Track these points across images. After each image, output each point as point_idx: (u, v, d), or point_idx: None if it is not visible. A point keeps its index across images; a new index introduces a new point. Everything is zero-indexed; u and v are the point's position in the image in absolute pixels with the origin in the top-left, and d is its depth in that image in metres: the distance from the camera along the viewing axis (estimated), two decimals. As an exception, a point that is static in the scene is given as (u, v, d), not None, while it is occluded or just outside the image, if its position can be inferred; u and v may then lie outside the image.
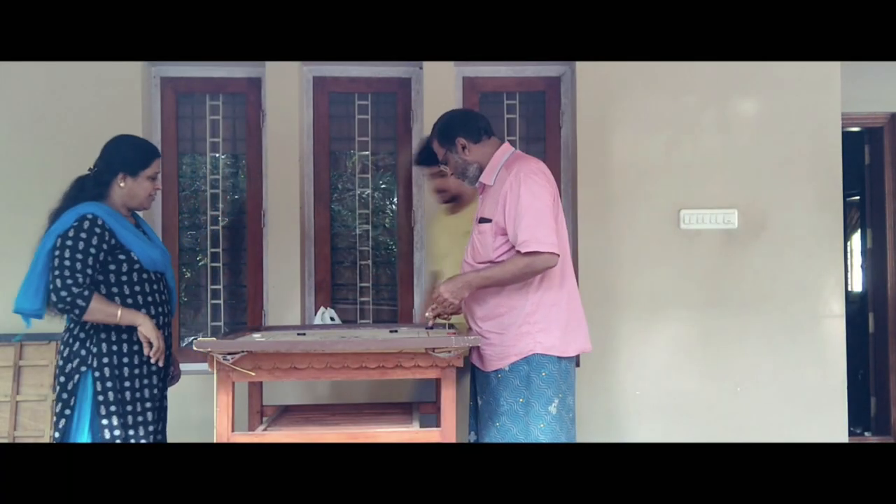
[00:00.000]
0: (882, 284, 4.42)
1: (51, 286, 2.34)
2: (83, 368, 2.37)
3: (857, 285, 5.62)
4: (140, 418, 2.43)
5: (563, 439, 2.44)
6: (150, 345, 2.41)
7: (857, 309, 4.77)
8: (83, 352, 2.38)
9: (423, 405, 2.73)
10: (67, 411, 2.36)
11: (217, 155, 3.76)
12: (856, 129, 4.38)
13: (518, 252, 2.38)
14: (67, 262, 2.34)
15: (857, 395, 4.42)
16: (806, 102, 3.64)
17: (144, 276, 2.48)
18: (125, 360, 2.41)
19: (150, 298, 2.49)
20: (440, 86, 3.60)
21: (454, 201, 3.09)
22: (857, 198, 5.14)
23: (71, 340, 2.41)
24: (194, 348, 2.24)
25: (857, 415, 4.43)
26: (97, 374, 2.36)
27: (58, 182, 3.37)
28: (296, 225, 3.58)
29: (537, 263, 2.37)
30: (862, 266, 5.29)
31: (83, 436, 2.35)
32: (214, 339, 2.30)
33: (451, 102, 3.55)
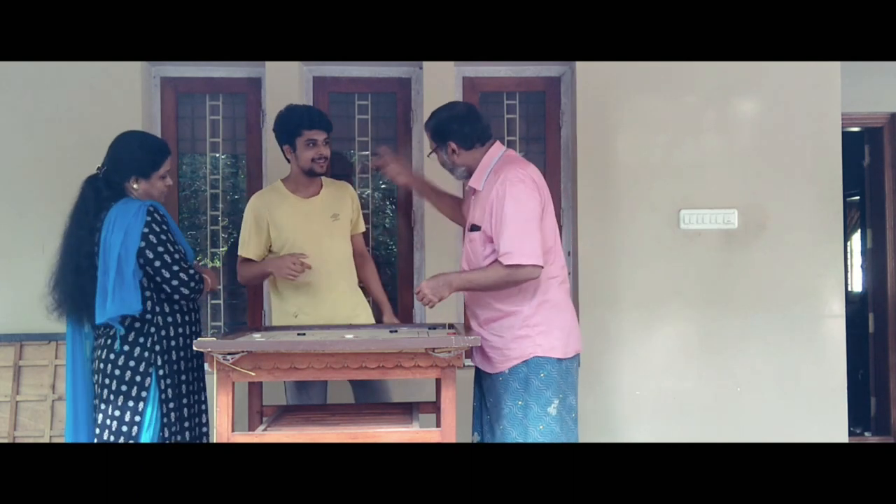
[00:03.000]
0: (882, 284, 4.42)
1: (174, 282, 2.38)
2: (150, 370, 2.36)
3: (857, 285, 5.62)
4: (195, 409, 2.49)
5: (563, 440, 2.44)
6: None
7: (857, 309, 4.76)
8: (147, 353, 2.37)
9: (423, 405, 2.72)
10: (137, 417, 2.33)
11: (217, 155, 3.76)
12: (856, 129, 4.38)
13: (498, 262, 2.37)
14: (176, 255, 2.40)
15: (857, 395, 4.42)
16: (806, 102, 3.64)
17: None
18: (182, 353, 2.45)
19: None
20: (440, 86, 3.59)
21: (320, 175, 3.01)
22: (857, 198, 5.14)
23: (129, 343, 2.36)
24: (194, 348, 2.24)
25: (857, 415, 4.43)
26: (161, 372, 2.38)
27: (58, 182, 3.39)
28: (296, 225, 3.57)
29: (518, 275, 2.36)
30: (862, 266, 5.29)
31: (154, 435, 2.35)
32: (214, 338, 2.29)
33: (451, 102, 3.55)
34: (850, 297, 4.54)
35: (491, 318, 2.49)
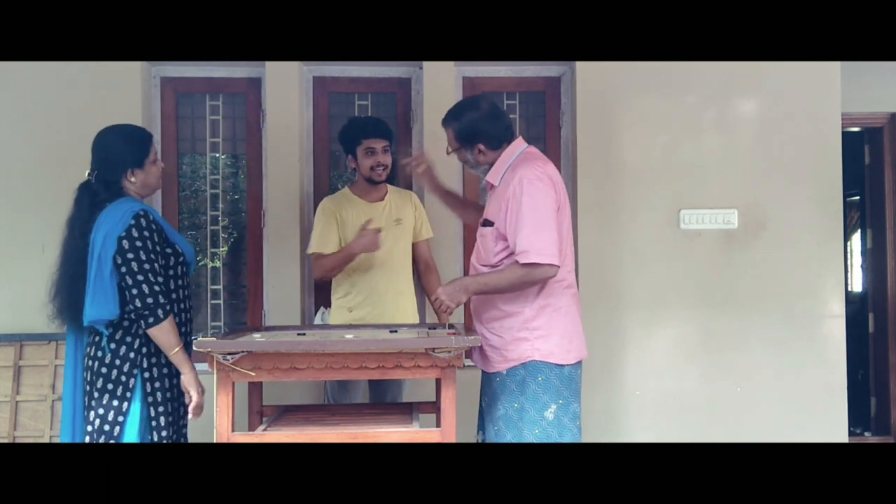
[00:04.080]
0: (882, 284, 4.42)
1: (134, 290, 2.25)
2: (135, 371, 2.31)
3: (857, 285, 5.62)
4: (180, 413, 2.44)
5: None
6: (191, 397, 2.35)
7: (857, 309, 4.77)
8: (132, 354, 2.31)
9: (423, 405, 2.72)
10: (121, 418, 2.29)
11: (217, 155, 3.76)
12: (856, 129, 4.38)
13: (516, 262, 2.35)
14: (146, 265, 2.27)
15: (857, 395, 4.42)
16: (806, 102, 3.65)
17: (184, 269, 2.46)
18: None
19: (185, 293, 2.47)
20: (440, 86, 3.60)
21: (382, 183, 3.15)
22: (857, 198, 5.14)
23: (115, 342, 2.32)
24: (194, 348, 2.24)
25: (857, 415, 4.43)
26: (146, 374, 2.32)
27: (57, 182, 3.39)
28: (296, 225, 3.58)
29: (535, 274, 2.33)
30: (862, 266, 5.30)
31: (139, 436, 2.31)
32: (214, 339, 2.29)
33: (451, 102, 3.50)
34: (850, 297, 4.55)
35: (492, 317, 2.47)
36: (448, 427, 2.22)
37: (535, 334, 2.40)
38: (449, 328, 2.61)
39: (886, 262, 4.40)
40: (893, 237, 4.37)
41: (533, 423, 2.38)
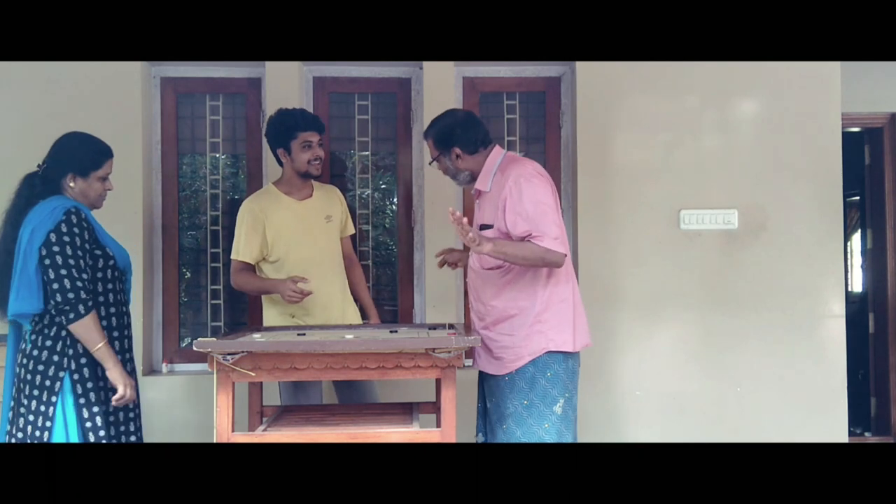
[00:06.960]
0: (882, 284, 4.42)
1: (55, 285, 2.23)
2: (61, 374, 2.28)
3: (857, 285, 5.62)
4: (122, 416, 2.40)
5: (568, 439, 2.46)
6: (116, 391, 2.31)
7: (857, 309, 4.76)
8: (55, 357, 2.29)
9: (423, 405, 2.72)
10: (48, 423, 2.26)
11: (217, 155, 3.76)
12: (856, 129, 4.38)
13: (532, 241, 2.38)
14: (71, 261, 2.26)
15: (857, 395, 4.42)
16: (806, 102, 3.64)
17: (116, 273, 2.44)
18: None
19: (119, 297, 2.45)
20: (440, 86, 3.60)
21: (317, 178, 3.04)
22: (857, 198, 5.14)
23: (39, 344, 2.29)
24: (194, 348, 2.24)
25: (857, 415, 4.43)
26: (76, 376, 2.29)
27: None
28: (296, 225, 3.57)
29: (550, 258, 2.38)
30: (862, 266, 5.29)
31: (73, 438, 2.27)
32: (214, 339, 2.29)
33: (451, 102, 3.55)
34: (850, 297, 4.54)
35: (499, 318, 2.50)
36: (448, 427, 2.22)
37: (548, 325, 2.46)
38: (449, 328, 2.62)
39: (886, 262, 4.40)
40: (893, 237, 4.37)
41: (542, 417, 2.42)
